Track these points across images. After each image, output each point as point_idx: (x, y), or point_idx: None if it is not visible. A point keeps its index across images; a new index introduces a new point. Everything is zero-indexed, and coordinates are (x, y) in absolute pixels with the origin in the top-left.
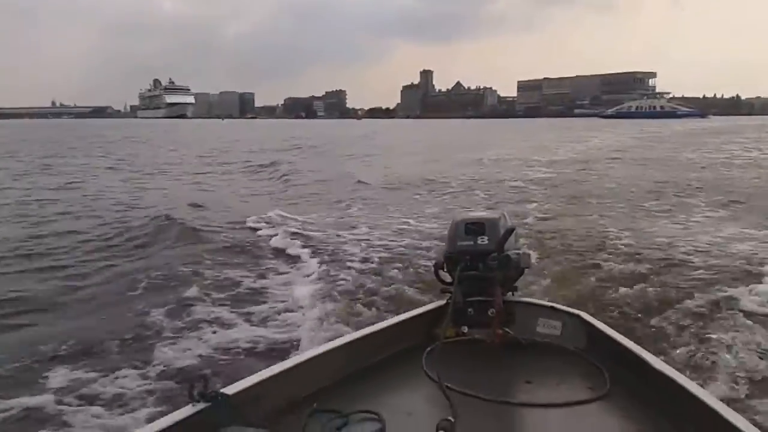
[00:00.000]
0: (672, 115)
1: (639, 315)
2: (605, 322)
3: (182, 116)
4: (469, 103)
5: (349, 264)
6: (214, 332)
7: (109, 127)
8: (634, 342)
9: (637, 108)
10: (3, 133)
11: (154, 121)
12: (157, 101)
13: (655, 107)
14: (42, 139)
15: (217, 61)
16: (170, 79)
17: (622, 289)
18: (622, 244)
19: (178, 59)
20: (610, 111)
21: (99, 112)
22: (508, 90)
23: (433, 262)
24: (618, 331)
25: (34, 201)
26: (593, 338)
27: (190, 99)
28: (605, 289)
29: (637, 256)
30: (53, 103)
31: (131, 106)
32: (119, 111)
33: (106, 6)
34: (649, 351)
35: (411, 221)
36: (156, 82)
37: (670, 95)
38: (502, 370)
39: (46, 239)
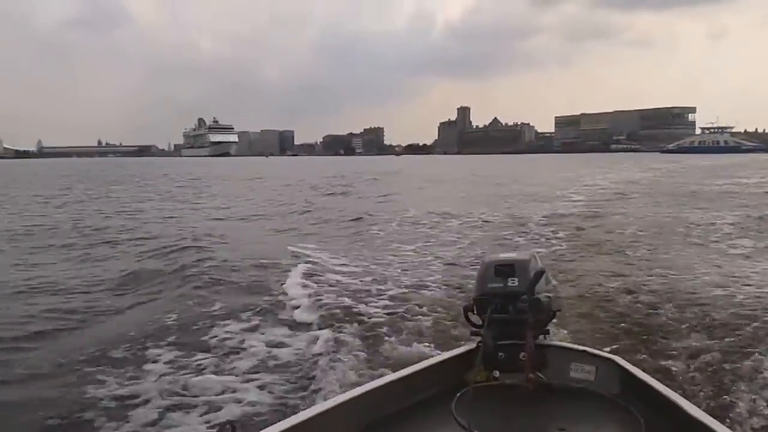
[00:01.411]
0: (736, 150)
1: (675, 360)
2: (640, 367)
3: (226, 154)
4: (506, 139)
5: (375, 302)
6: (238, 376)
7: (174, 164)
8: (671, 388)
9: (699, 143)
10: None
11: (216, 159)
12: (202, 140)
13: (718, 142)
14: (103, 174)
15: (256, 100)
16: (214, 118)
17: (658, 332)
18: (659, 285)
19: (218, 99)
20: (671, 146)
21: (144, 151)
22: (545, 125)
23: (463, 304)
24: (654, 377)
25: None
26: (628, 384)
27: (234, 137)
28: (640, 332)
29: (670, 295)
30: (99, 142)
31: (175, 145)
32: (163, 150)
33: (149, 48)
34: (685, 398)
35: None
36: (200, 121)
37: (732, 129)
38: (535, 417)
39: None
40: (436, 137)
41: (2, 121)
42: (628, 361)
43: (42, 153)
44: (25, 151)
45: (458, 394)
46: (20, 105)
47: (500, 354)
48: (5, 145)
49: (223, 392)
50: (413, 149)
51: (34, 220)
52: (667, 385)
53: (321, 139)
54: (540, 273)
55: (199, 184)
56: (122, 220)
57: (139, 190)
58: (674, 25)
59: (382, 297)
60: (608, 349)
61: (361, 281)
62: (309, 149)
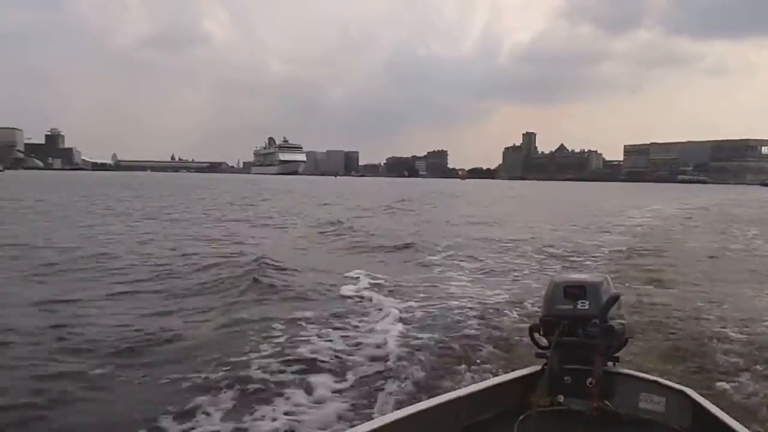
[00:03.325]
0: None
1: (749, 394)
2: (711, 401)
3: (294, 173)
4: (572, 165)
5: (434, 320)
6: (306, 390)
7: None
8: (744, 425)
9: None
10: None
11: (287, 177)
12: (272, 158)
13: None
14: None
15: (322, 121)
16: (284, 137)
17: (733, 362)
18: (736, 315)
19: (286, 118)
20: None
21: (215, 168)
22: (613, 153)
23: (529, 324)
24: (726, 411)
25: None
26: (700, 417)
27: (302, 157)
28: (715, 362)
29: (745, 329)
30: (173, 157)
31: (244, 163)
32: (233, 167)
33: (221, 67)
34: None
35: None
36: (270, 140)
37: None
38: None
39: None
40: (501, 162)
41: (80, 135)
42: (699, 393)
43: (118, 166)
44: (102, 163)
45: (521, 417)
46: (97, 119)
47: (566, 378)
48: (83, 158)
49: (296, 405)
50: (477, 173)
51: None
52: (740, 421)
53: (385, 161)
54: (615, 298)
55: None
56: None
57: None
58: (751, 54)
59: (442, 312)
60: (678, 380)
61: (423, 297)
62: (373, 170)
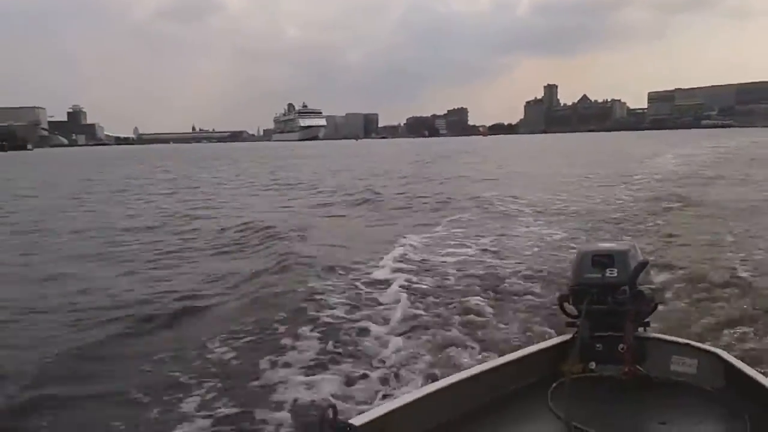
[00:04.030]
0: None
1: None
2: (745, 362)
3: (314, 138)
4: (595, 116)
5: (465, 287)
6: (339, 362)
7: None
8: None
9: None
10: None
11: (309, 143)
12: (292, 124)
13: None
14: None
15: (341, 84)
16: (303, 103)
17: (764, 323)
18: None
19: (304, 84)
20: None
21: (235, 137)
22: (638, 102)
23: (558, 294)
24: (760, 371)
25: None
26: (732, 378)
27: (323, 122)
28: (747, 322)
29: None
30: (193, 128)
31: (264, 130)
32: (253, 135)
33: (238, 35)
34: None
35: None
36: (290, 106)
37: None
38: (634, 410)
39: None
40: (522, 116)
41: (101, 110)
42: (732, 355)
43: (140, 140)
44: (125, 137)
45: (554, 385)
46: (116, 94)
47: (597, 345)
48: (107, 132)
49: (317, 381)
50: (498, 129)
51: None
52: None
53: (404, 121)
54: (643, 264)
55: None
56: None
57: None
58: None
59: (471, 282)
60: (710, 342)
61: (452, 263)
62: (393, 131)
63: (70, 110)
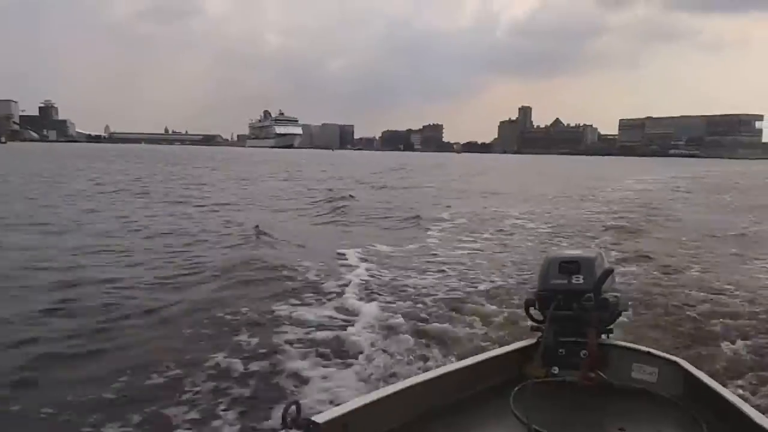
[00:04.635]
0: None
1: (743, 364)
2: (704, 371)
3: (290, 146)
4: (567, 140)
5: (432, 290)
6: (305, 359)
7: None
8: (736, 395)
9: None
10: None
11: (284, 151)
12: (267, 131)
13: None
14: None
15: (317, 94)
16: (280, 110)
17: (725, 333)
18: (728, 287)
19: (281, 91)
20: None
21: (208, 140)
22: (608, 128)
23: (524, 298)
24: (718, 382)
25: None
26: (692, 387)
27: (299, 130)
28: (706, 333)
29: (745, 300)
30: (166, 129)
31: (238, 135)
32: (227, 140)
33: (216, 39)
34: (750, 404)
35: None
36: (266, 113)
37: None
38: (594, 416)
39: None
40: (496, 136)
41: (73, 107)
42: (692, 364)
43: (112, 138)
44: (96, 135)
45: (516, 388)
46: (89, 91)
47: (560, 350)
48: (78, 130)
49: (285, 376)
50: (472, 147)
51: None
52: (733, 392)
53: (380, 134)
54: (609, 272)
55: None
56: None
57: None
58: (748, 29)
59: (437, 285)
60: (672, 351)
61: (415, 269)
62: (368, 143)
63: (42, 105)
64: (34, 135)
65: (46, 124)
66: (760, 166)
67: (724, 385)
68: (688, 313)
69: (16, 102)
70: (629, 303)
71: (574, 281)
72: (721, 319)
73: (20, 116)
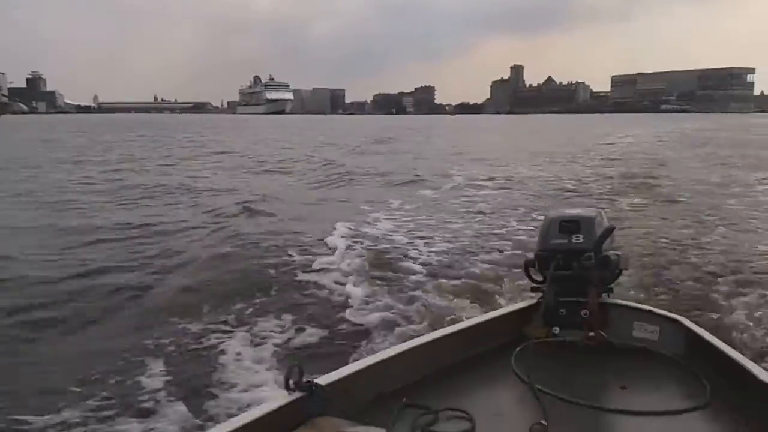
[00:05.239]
0: None
1: (744, 321)
2: (706, 329)
3: (281, 112)
4: (560, 98)
5: (429, 252)
6: (308, 321)
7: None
8: (738, 351)
9: None
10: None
11: (276, 117)
12: (258, 97)
13: None
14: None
15: (308, 58)
16: (270, 75)
17: (725, 291)
18: (725, 243)
19: (270, 56)
20: None
21: (198, 108)
22: (601, 85)
23: (524, 259)
24: (720, 339)
25: None
26: (693, 345)
27: (290, 95)
28: (707, 291)
29: (743, 258)
30: (155, 98)
31: (228, 102)
32: (217, 107)
33: (203, 4)
34: (753, 361)
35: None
36: (256, 78)
37: None
38: (595, 374)
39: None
40: (488, 96)
41: (61, 78)
42: (693, 322)
43: (101, 108)
44: (86, 106)
45: (518, 349)
46: (75, 61)
47: (561, 310)
48: (66, 101)
49: (286, 342)
50: (464, 108)
51: None
52: (734, 348)
53: (371, 98)
54: (609, 230)
55: None
56: None
57: None
58: None
59: (435, 246)
60: (673, 309)
61: (412, 228)
62: (360, 107)
63: (29, 76)
64: (24, 107)
65: (34, 95)
66: (757, 120)
67: (727, 342)
68: (686, 269)
69: (4, 74)
70: (629, 262)
71: (574, 240)
72: (720, 273)
73: (8, 89)
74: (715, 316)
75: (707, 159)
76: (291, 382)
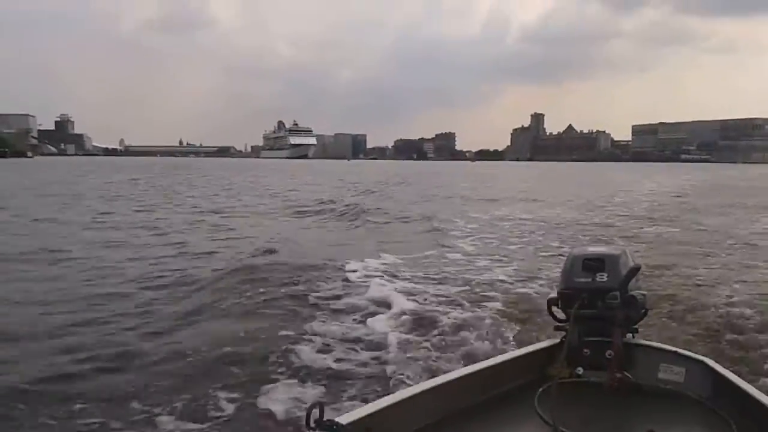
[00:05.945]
0: None
1: None
2: (732, 371)
3: (304, 156)
4: (580, 146)
5: (451, 290)
6: (329, 360)
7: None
8: (764, 393)
9: None
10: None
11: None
12: (282, 142)
13: None
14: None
15: (329, 104)
16: (294, 121)
17: (752, 331)
18: (752, 283)
19: (292, 102)
20: None
21: (223, 152)
22: (622, 133)
23: (548, 297)
24: (747, 381)
25: None
26: (719, 387)
27: (313, 140)
28: (733, 333)
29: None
30: (180, 142)
31: (252, 147)
32: (240, 151)
33: (228, 51)
34: None
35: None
36: (280, 123)
37: None
38: (621, 417)
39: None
40: (509, 143)
41: (88, 121)
42: (719, 364)
43: (127, 151)
44: (113, 149)
45: (541, 389)
46: (103, 105)
47: (585, 350)
48: (94, 143)
49: (306, 381)
50: (485, 155)
51: None
52: (762, 390)
53: (392, 143)
54: (635, 270)
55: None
56: None
57: None
58: (759, 33)
59: (457, 284)
60: (698, 351)
61: (431, 270)
62: (381, 153)
63: (58, 119)
64: (53, 149)
65: (63, 138)
66: None
67: (753, 384)
68: (712, 312)
69: (33, 116)
70: (653, 302)
71: (598, 279)
72: (746, 317)
73: (38, 131)
74: (741, 357)
75: (729, 204)
76: (312, 420)
